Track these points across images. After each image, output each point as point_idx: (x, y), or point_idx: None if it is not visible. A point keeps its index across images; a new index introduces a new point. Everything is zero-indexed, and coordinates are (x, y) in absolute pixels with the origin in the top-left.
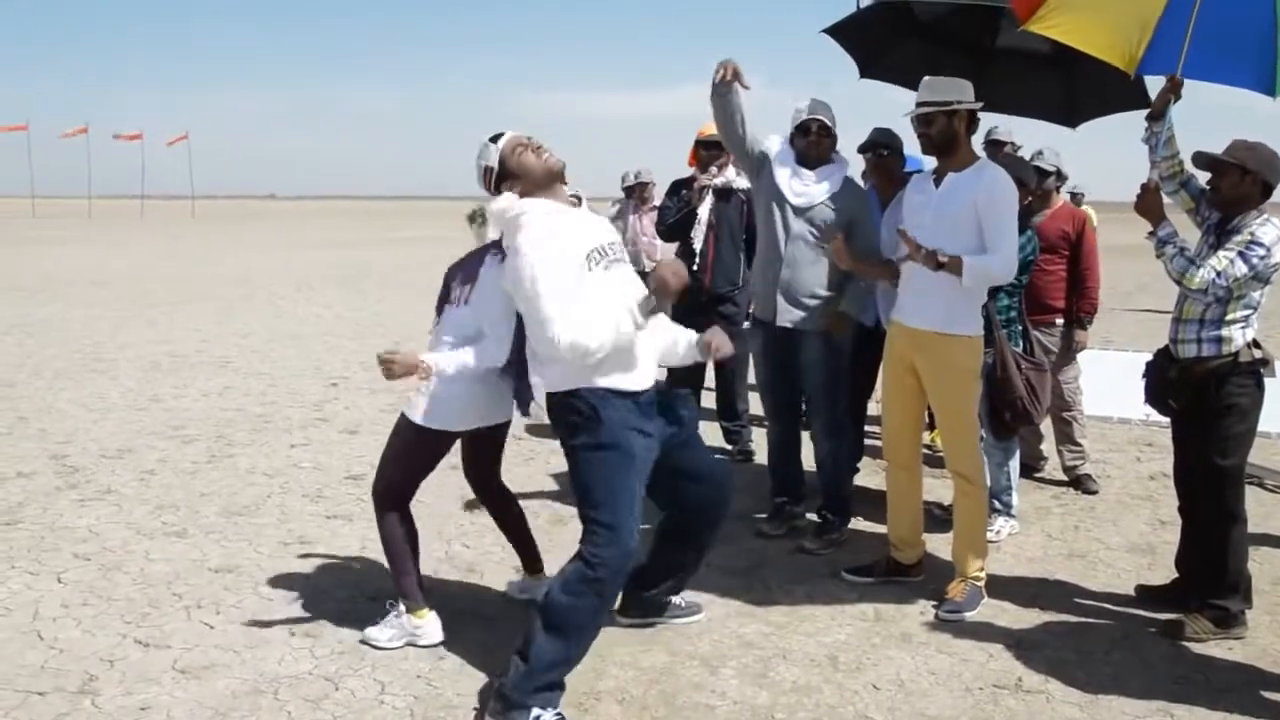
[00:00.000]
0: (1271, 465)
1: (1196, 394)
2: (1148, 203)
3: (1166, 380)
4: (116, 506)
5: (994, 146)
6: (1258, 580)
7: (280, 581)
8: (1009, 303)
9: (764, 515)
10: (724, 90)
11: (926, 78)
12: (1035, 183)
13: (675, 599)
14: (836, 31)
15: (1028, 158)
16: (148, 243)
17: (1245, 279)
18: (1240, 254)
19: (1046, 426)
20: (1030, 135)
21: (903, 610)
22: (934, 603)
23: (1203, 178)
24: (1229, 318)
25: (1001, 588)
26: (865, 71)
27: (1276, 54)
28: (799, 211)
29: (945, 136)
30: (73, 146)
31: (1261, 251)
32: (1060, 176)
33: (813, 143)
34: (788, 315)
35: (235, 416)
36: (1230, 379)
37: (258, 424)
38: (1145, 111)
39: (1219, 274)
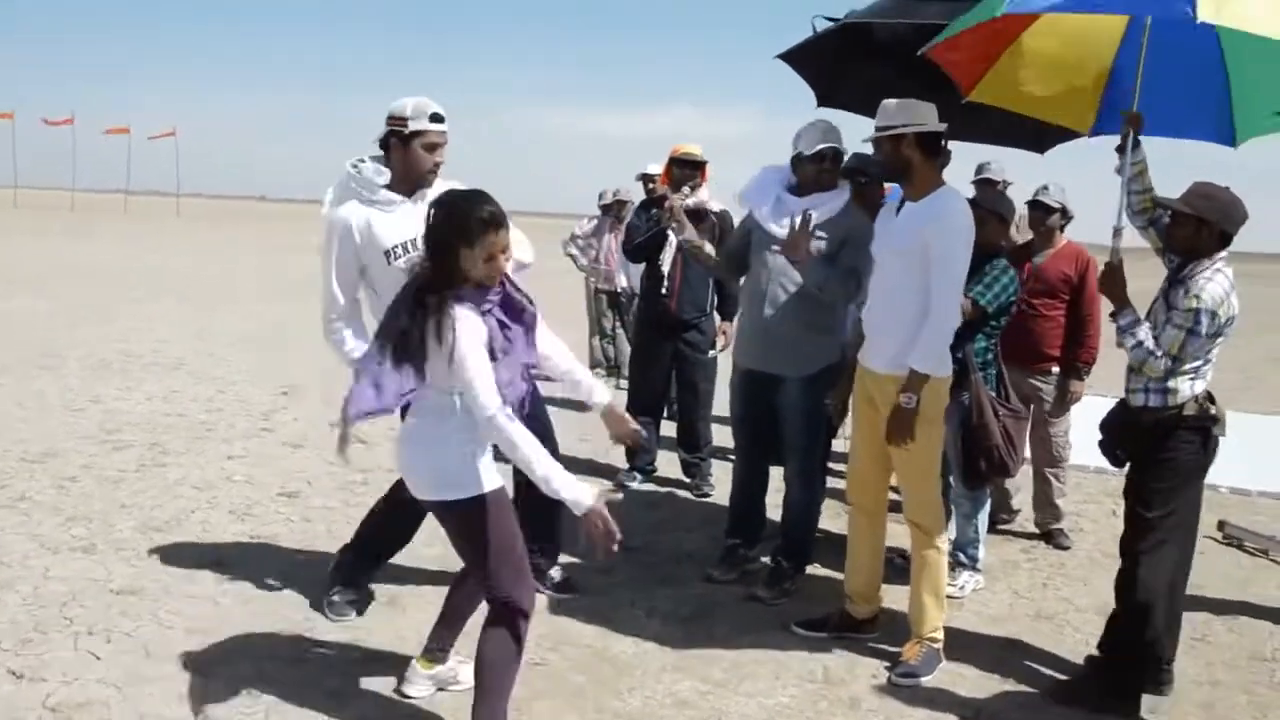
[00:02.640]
0: (1254, 527)
1: (1140, 444)
2: (1110, 281)
3: (1115, 431)
4: (25, 516)
5: (985, 186)
6: (1234, 654)
7: (185, 609)
8: (986, 344)
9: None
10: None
11: (884, 101)
12: (1014, 216)
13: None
14: (792, 58)
15: (1031, 193)
16: (128, 238)
17: (1202, 346)
18: (1189, 331)
19: (1023, 477)
20: (1033, 170)
21: (853, 671)
22: (887, 664)
23: None
24: (1178, 370)
25: (962, 649)
26: (823, 100)
27: (1232, 106)
28: (780, 245)
29: (895, 163)
30: (59, 139)
31: (1207, 320)
32: (1065, 215)
33: (825, 172)
34: (770, 359)
35: (176, 423)
36: (1174, 432)
37: (198, 431)
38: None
39: (1175, 359)
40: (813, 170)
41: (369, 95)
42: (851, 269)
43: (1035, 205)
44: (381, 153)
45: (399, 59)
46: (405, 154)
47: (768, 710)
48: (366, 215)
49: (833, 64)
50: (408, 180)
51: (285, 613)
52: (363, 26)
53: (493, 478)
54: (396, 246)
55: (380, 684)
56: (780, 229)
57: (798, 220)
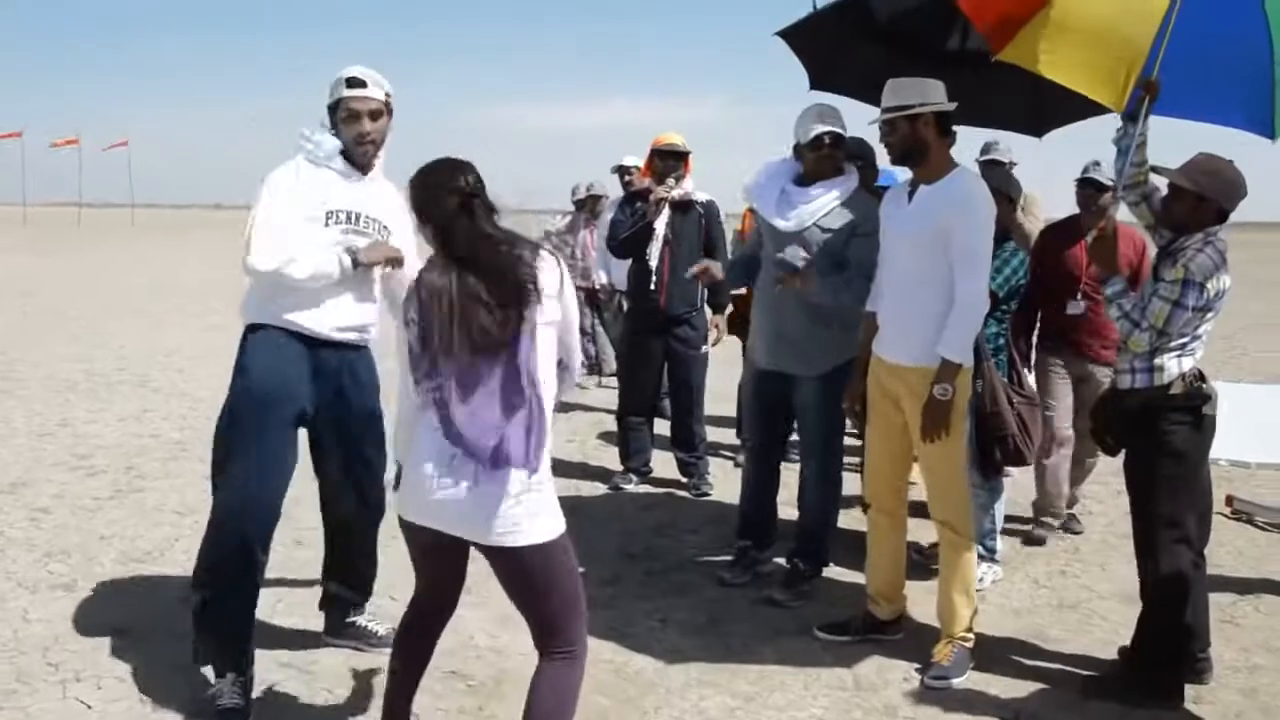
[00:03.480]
0: (1258, 500)
1: (1130, 430)
2: (1101, 250)
3: (1104, 416)
4: None
5: (991, 166)
6: (1266, 635)
7: (180, 648)
8: (997, 330)
9: (724, 559)
10: None
11: (891, 80)
12: (1020, 196)
13: (359, 618)
14: (791, 35)
15: (1080, 172)
16: (83, 252)
17: (1190, 320)
18: (1175, 304)
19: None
20: (1077, 147)
21: (884, 676)
22: (917, 666)
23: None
24: (1164, 346)
25: (991, 647)
26: (816, 83)
27: (1275, 92)
28: (788, 238)
29: (909, 145)
30: (6, 153)
31: (1196, 293)
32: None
33: (825, 156)
34: (782, 359)
35: (149, 444)
36: (1163, 414)
37: (173, 452)
38: (1108, 115)
39: (1160, 333)
40: (812, 157)
41: (319, 97)
42: (861, 269)
43: (1086, 183)
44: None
45: (354, 60)
46: (339, 130)
47: None
48: (316, 171)
49: (830, 44)
50: (350, 157)
51: (283, 647)
52: (314, 27)
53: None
54: (339, 212)
55: None
56: (785, 223)
57: (798, 260)
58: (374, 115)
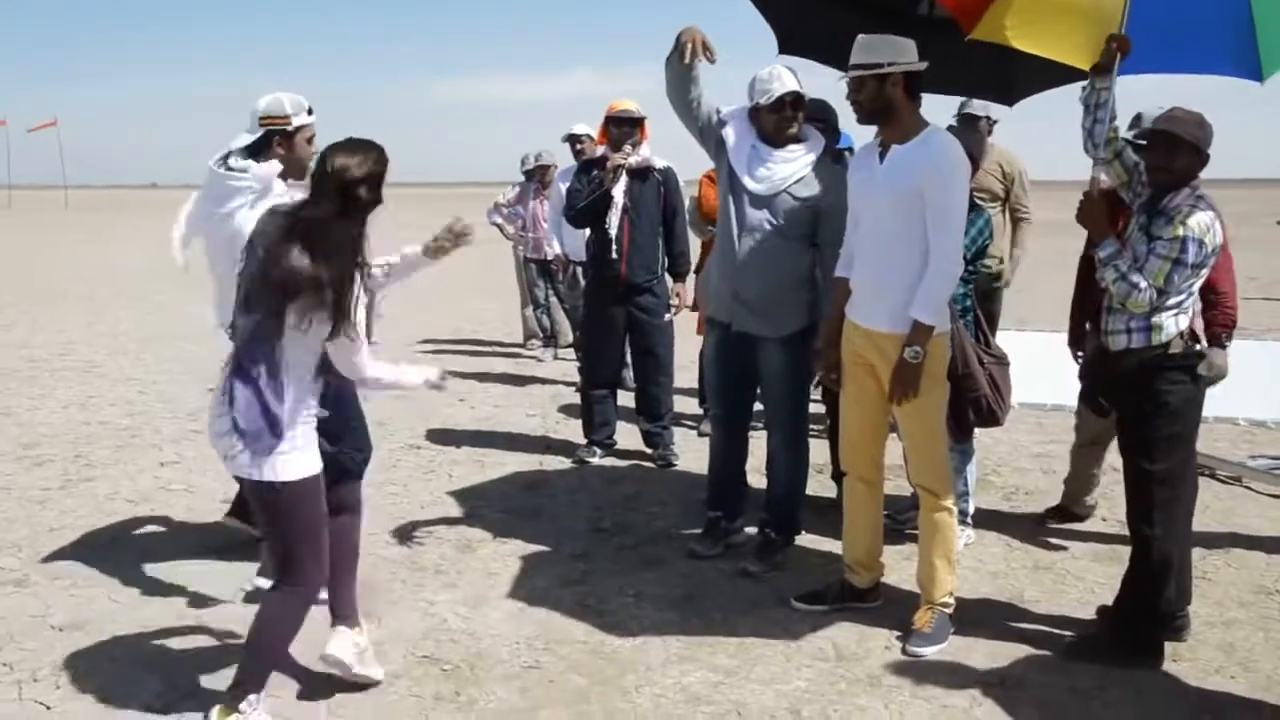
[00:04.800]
0: (1217, 454)
1: (1126, 390)
2: (1090, 212)
3: (1096, 376)
4: None
5: (967, 123)
6: (1239, 590)
7: (141, 642)
8: (964, 290)
9: (695, 532)
10: (685, 70)
11: (861, 36)
12: (983, 157)
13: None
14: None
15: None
16: (14, 235)
17: (1188, 278)
18: (1175, 261)
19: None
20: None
21: (865, 645)
22: (898, 634)
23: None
24: (1163, 305)
25: (970, 611)
26: (785, 46)
27: (1256, 32)
28: (758, 201)
29: (877, 104)
30: None
31: (1195, 249)
32: None
33: (787, 119)
34: (743, 321)
35: (98, 431)
36: (1161, 373)
37: (123, 439)
38: (1081, 81)
39: (1160, 291)
40: (773, 120)
41: (266, 75)
42: (835, 243)
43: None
44: (246, 153)
45: (283, 40)
46: (290, 149)
47: (787, 697)
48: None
49: (798, 7)
50: (293, 174)
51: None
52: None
53: None
54: None
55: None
56: (756, 184)
57: None
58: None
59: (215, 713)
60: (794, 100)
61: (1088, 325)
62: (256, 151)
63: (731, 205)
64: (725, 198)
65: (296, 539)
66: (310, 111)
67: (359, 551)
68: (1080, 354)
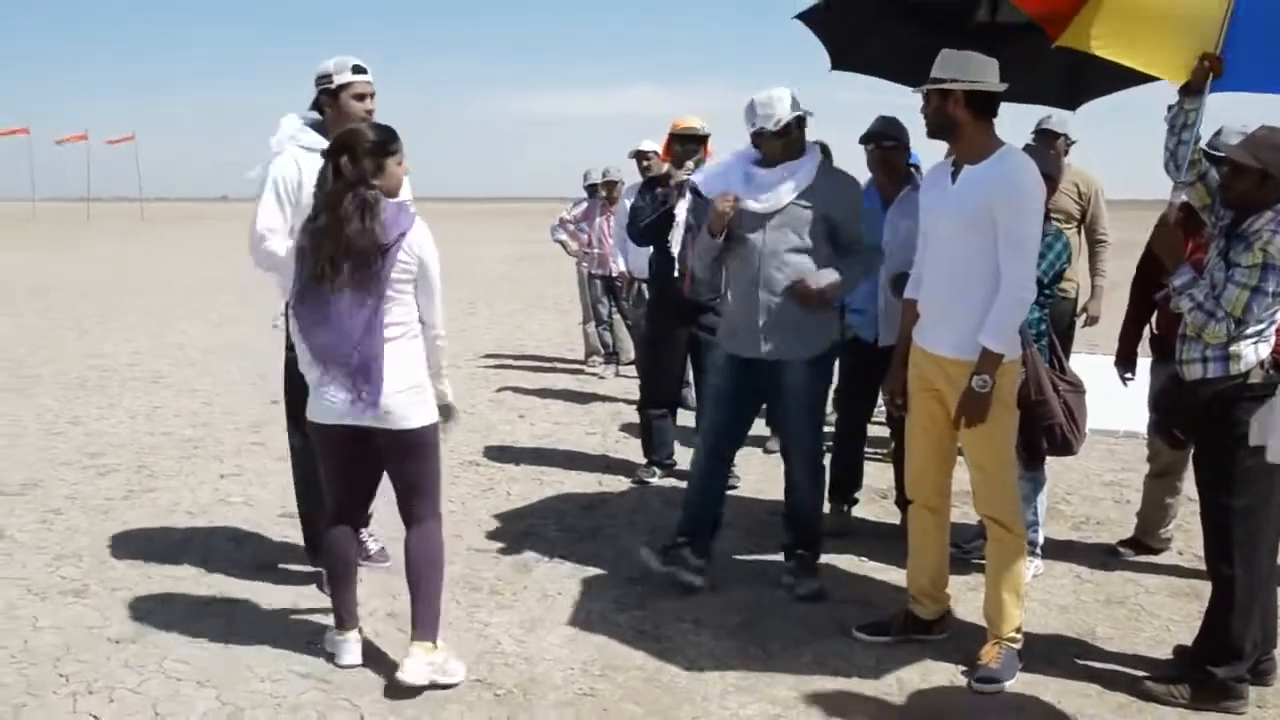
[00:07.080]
0: None
1: (1203, 422)
2: (1167, 240)
3: (1171, 408)
4: (8, 557)
5: (1044, 138)
6: None
7: (194, 655)
8: (1040, 315)
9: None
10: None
11: (944, 50)
12: (1060, 176)
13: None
14: (812, 15)
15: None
16: (92, 247)
17: (1269, 306)
18: (1255, 289)
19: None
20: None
21: (928, 679)
22: (963, 668)
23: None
24: (1241, 334)
25: (1039, 647)
26: (838, 62)
27: None
28: (769, 221)
29: (939, 121)
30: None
31: (1275, 277)
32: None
33: (791, 141)
34: (773, 345)
35: (162, 441)
36: (1240, 404)
37: (186, 450)
38: (1145, 85)
39: (1239, 321)
40: (779, 144)
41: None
42: (865, 247)
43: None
44: (317, 115)
45: (354, 51)
46: (337, 107)
47: None
48: (313, 160)
49: (852, 22)
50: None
51: (302, 654)
52: (314, 21)
53: None
54: None
55: None
56: (759, 204)
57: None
58: (372, 97)
59: (419, 649)
60: (797, 123)
61: (1151, 349)
62: (315, 110)
63: (750, 235)
64: (740, 233)
65: (436, 473)
66: (358, 70)
67: (442, 566)
68: (1129, 375)
